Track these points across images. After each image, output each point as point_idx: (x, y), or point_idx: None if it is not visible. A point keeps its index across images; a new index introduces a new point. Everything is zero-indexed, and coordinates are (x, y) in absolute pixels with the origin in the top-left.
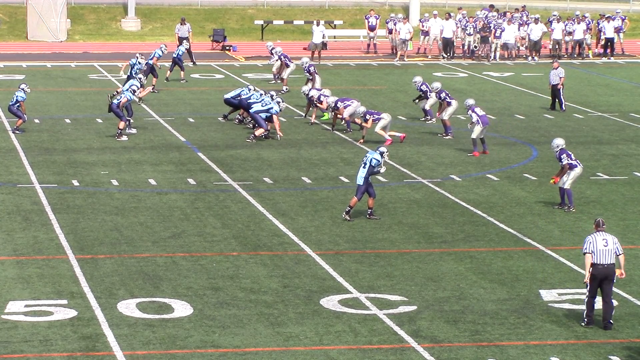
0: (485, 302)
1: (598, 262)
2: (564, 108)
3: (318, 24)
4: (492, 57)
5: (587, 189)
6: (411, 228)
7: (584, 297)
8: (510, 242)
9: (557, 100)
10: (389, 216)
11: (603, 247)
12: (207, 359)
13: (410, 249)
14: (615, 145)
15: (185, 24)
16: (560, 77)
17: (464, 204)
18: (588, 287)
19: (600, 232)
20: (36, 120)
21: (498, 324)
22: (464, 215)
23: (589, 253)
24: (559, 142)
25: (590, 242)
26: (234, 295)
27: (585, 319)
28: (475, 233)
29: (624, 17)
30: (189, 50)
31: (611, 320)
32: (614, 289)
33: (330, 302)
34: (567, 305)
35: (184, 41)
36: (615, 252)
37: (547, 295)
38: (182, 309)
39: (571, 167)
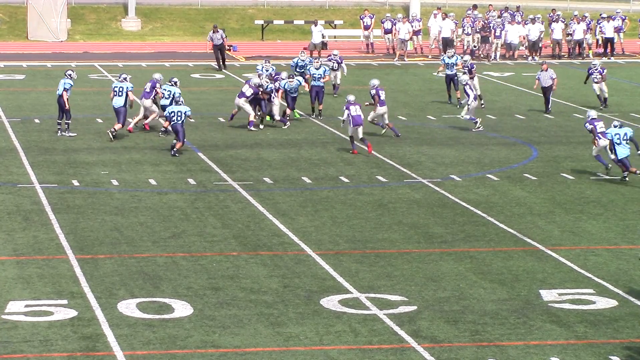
0: (485, 302)
1: None
2: (549, 109)
3: (316, 24)
4: (493, 57)
5: (587, 189)
6: (411, 228)
7: (584, 297)
8: (510, 242)
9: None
10: (389, 216)
11: None
12: (207, 359)
13: (410, 249)
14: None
15: (217, 31)
16: (552, 79)
17: (464, 204)
18: None
19: None
20: (36, 120)
21: (498, 324)
22: (464, 215)
23: None
24: None
25: None
26: (234, 295)
27: None
28: (475, 233)
29: (624, 17)
30: (221, 54)
31: None
32: (615, 288)
33: (330, 302)
34: (567, 306)
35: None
36: None
37: (547, 295)
38: (182, 309)
39: None
